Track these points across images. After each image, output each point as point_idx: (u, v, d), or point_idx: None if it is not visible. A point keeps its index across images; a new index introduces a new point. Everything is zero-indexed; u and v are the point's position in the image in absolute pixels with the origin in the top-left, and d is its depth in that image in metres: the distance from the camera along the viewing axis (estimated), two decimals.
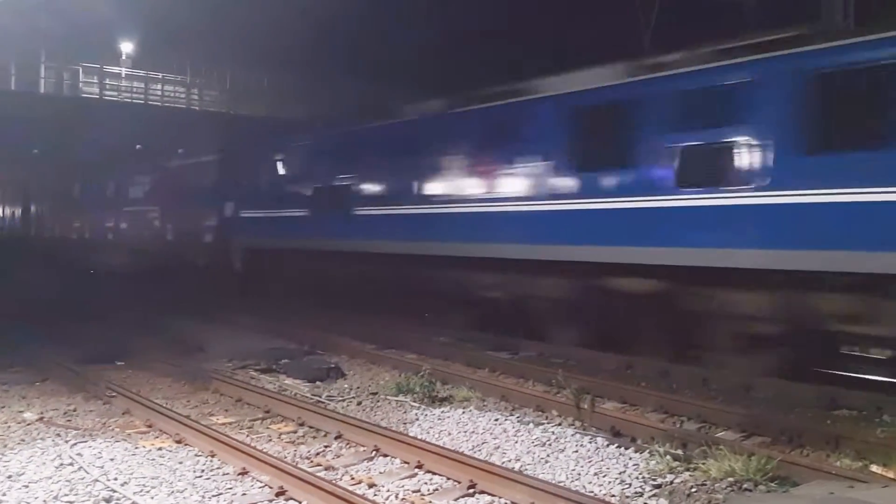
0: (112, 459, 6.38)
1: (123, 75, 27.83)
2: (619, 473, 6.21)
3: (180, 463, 6.43)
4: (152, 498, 5.63)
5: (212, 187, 21.03)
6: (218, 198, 20.30)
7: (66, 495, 5.60)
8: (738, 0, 18.62)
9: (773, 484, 5.89)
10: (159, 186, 24.73)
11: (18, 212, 40.70)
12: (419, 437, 7.18)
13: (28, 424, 7.63)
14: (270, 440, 7.32)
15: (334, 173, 15.80)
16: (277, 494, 5.70)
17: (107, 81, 27.58)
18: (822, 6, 17.05)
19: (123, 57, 27.49)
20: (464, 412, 8.10)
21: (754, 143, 9.10)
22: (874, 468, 6.33)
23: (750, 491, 5.83)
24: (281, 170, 17.88)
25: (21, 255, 27.91)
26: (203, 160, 22.05)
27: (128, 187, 27.38)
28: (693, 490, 5.90)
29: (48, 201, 37.30)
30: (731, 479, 5.97)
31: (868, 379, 9.51)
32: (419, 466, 6.33)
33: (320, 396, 9.13)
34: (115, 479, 5.93)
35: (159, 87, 28.55)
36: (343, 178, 15.56)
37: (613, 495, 5.82)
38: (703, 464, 6.22)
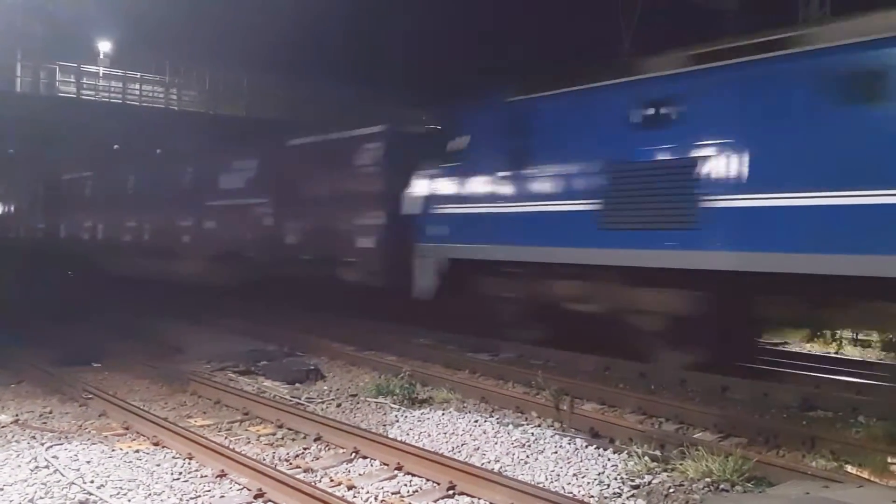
0: (88, 462, 6.32)
1: (101, 74, 27.58)
2: (598, 474, 6.24)
3: (158, 465, 6.39)
4: (129, 500, 5.59)
5: (370, 171, 14.66)
6: (386, 186, 13.98)
7: (42, 498, 5.54)
8: (720, 5, 18.82)
9: (749, 484, 5.94)
10: (275, 173, 17.38)
11: (38, 215, 32.54)
12: (399, 438, 7.18)
13: (2, 427, 7.53)
14: (249, 442, 7.28)
15: (671, 140, 9.62)
16: (256, 497, 5.67)
17: (84, 81, 27.32)
18: (800, 9, 17.28)
19: (101, 56, 27.25)
20: (444, 414, 8.11)
21: None
22: (849, 468, 6.41)
23: (727, 491, 5.88)
24: (527, 140, 11.27)
25: (43, 262, 25.35)
26: (355, 135, 15.29)
27: (217, 176, 19.40)
28: (671, 490, 5.94)
29: (78, 201, 28.60)
30: (708, 479, 6.02)
31: (843, 380, 9.63)
32: (399, 468, 6.33)
33: (299, 398, 9.10)
34: (92, 481, 5.88)
35: (137, 86, 28.32)
36: (695, 145, 9.36)
37: (592, 496, 5.85)
38: (681, 464, 6.26)
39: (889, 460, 6.42)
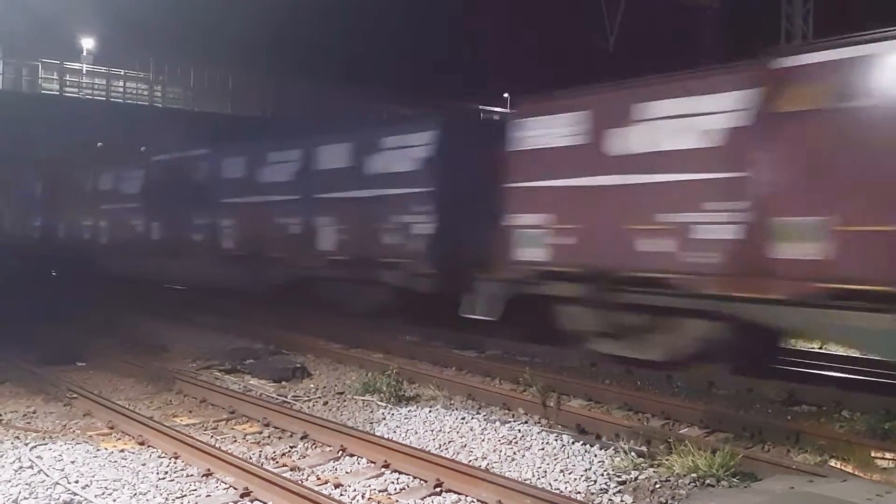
0: (73, 462, 6.28)
1: (84, 71, 27.36)
2: (585, 471, 6.26)
3: (143, 465, 6.35)
4: (114, 500, 5.55)
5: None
6: None
7: (26, 499, 5.49)
8: (702, 5, 18.89)
9: (735, 479, 5.98)
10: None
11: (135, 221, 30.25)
12: (386, 436, 7.17)
13: None
14: (235, 441, 7.25)
15: None
16: (242, 496, 5.65)
17: (67, 78, 27.09)
18: (783, 14, 17.41)
19: (85, 53, 27.03)
20: (430, 411, 8.10)
21: None
22: (834, 463, 6.46)
23: (712, 486, 5.91)
24: None
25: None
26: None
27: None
28: (657, 486, 5.97)
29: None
30: (694, 474, 6.05)
31: (827, 375, 9.70)
32: (386, 466, 6.33)
33: (286, 396, 9.07)
34: (76, 481, 5.84)
35: (121, 83, 28.10)
36: None
37: (579, 492, 5.86)
38: (667, 460, 6.29)
39: (873, 454, 6.48)
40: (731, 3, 18.77)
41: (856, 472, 6.19)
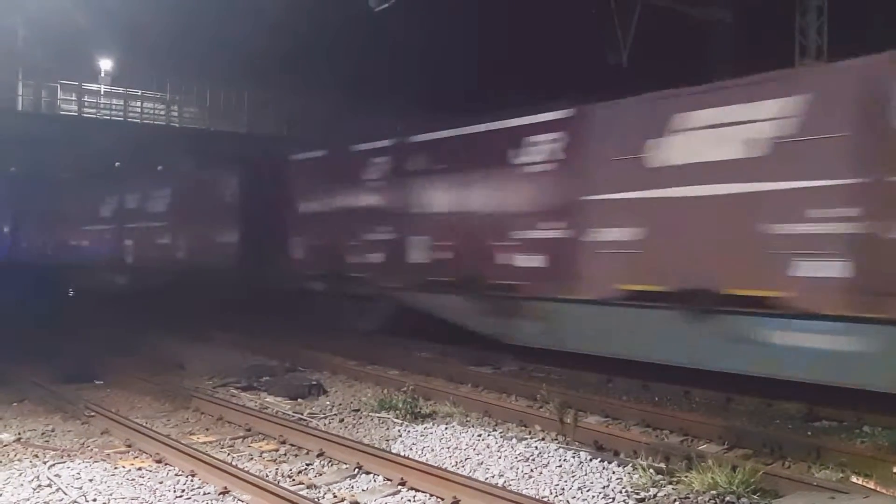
0: (91, 480, 6.30)
1: (102, 92, 27.65)
2: (603, 488, 6.21)
3: (160, 483, 6.36)
4: None
5: None
6: None
7: None
8: (715, 18, 18.88)
9: (755, 496, 5.92)
10: None
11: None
12: (402, 453, 7.15)
13: (5, 446, 7.51)
14: (252, 459, 7.25)
15: None
16: None
17: (85, 99, 27.39)
18: (797, 28, 17.38)
19: (102, 74, 27.34)
20: (447, 428, 8.08)
21: None
22: (855, 479, 6.38)
23: (733, 503, 5.86)
24: None
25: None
26: None
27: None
28: (676, 503, 5.91)
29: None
30: (713, 492, 5.99)
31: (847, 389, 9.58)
32: (402, 483, 6.30)
33: (302, 414, 9.07)
34: (94, 500, 5.86)
35: (138, 104, 28.38)
36: None
37: None
38: (686, 477, 6.24)
39: (895, 470, 6.40)
40: (744, 17, 18.79)
41: (878, 489, 6.12)
